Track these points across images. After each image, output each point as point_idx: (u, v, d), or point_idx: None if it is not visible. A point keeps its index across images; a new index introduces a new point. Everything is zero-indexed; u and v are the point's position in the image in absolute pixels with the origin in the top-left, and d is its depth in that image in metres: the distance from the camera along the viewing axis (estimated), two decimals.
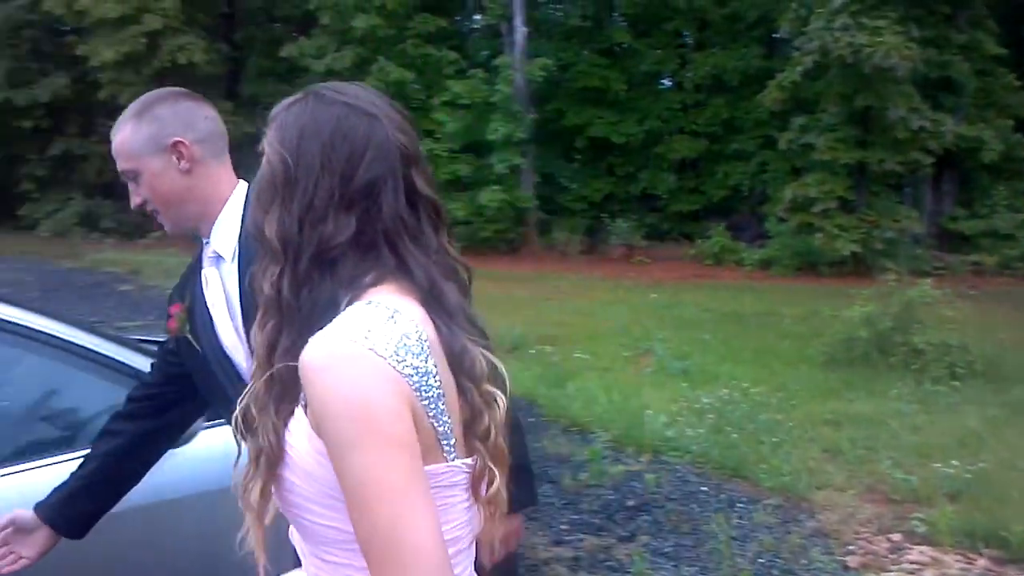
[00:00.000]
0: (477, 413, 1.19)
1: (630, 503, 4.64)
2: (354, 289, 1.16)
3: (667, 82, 22.44)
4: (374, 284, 1.17)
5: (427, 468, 1.13)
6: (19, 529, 1.93)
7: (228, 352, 1.87)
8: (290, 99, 1.24)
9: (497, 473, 1.19)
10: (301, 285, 1.17)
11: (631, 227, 17.89)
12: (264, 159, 1.21)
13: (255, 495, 1.20)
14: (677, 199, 20.69)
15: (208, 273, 1.89)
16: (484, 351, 1.20)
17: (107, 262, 15.81)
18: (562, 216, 18.77)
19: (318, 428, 1.09)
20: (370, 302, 1.14)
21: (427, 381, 1.14)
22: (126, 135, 1.84)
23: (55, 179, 22.63)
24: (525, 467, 2.05)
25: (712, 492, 4.78)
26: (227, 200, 1.89)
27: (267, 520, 1.21)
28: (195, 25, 20.19)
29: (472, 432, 1.19)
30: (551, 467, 5.17)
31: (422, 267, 1.20)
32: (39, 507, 1.96)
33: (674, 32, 21.91)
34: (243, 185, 1.91)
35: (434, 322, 1.18)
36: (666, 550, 4.06)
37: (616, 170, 20.93)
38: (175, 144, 1.82)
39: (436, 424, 1.15)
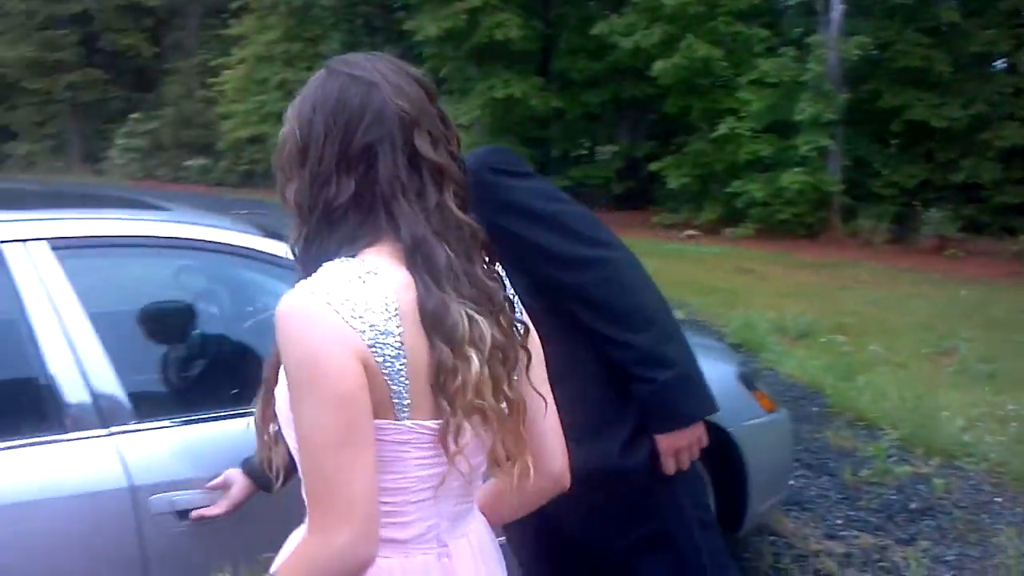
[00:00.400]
0: (447, 373, 1.22)
1: (913, 506, 4.45)
2: (352, 248, 1.24)
3: (1000, 64, 20.73)
4: (370, 244, 1.25)
5: (376, 422, 1.20)
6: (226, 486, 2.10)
7: None
8: (312, 77, 1.36)
9: (470, 428, 1.24)
10: (310, 243, 1.27)
11: (946, 217, 16.72)
12: (283, 132, 1.33)
13: (259, 415, 1.40)
14: (1001, 190, 19.06)
15: None
16: (474, 313, 1.24)
17: None
18: (869, 202, 17.85)
19: (284, 371, 1.22)
20: (349, 259, 1.22)
21: (385, 340, 1.19)
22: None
23: None
24: (687, 376, 1.96)
25: (1007, 504, 4.49)
26: None
27: (267, 436, 1.40)
28: (512, 3, 20.94)
29: (443, 392, 1.22)
30: (831, 460, 5.04)
31: (409, 226, 1.24)
32: (244, 461, 2.09)
33: (1010, 11, 20.16)
34: None
35: (415, 280, 1.23)
36: (948, 558, 3.87)
37: (935, 156, 19.60)
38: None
39: (390, 383, 1.21)
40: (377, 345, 1.19)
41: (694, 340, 4.34)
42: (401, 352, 1.21)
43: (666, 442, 1.98)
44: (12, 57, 30.35)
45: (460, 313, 1.23)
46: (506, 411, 1.29)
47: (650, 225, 17.73)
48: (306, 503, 1.24)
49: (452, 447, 1.23)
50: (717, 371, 3.70)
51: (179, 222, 2.72)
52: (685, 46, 17.06)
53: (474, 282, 1.28)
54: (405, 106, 1.28)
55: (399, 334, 1.20)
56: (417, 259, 1.24)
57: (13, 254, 2.25)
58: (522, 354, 1.33)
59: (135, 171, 27.47)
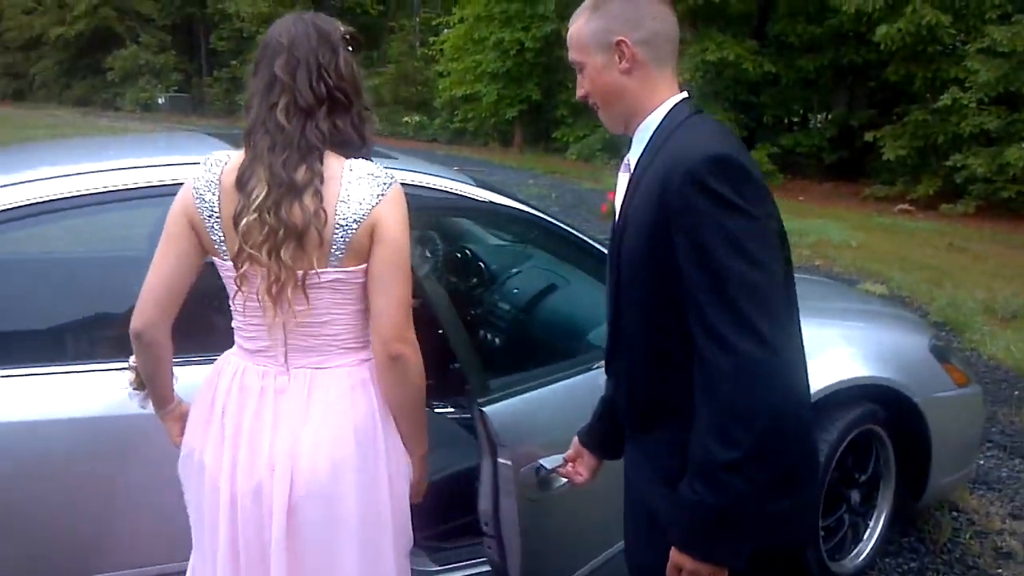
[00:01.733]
0: (238, 218, 1.81)
1: None
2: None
3: None
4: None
5: (214, 260, 1.92)
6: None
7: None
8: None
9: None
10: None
11: None
12: None
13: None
14: None
15: (620, 178, 1.91)
16: (272, 187, 1.79)
17: None
18: None
19: None
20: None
21: (205, 204, 1.87)
22: (579, 26, 1.86)
23: (588, 107, 24.31)
24: (734, 512, 1.65)
25: None
26: (655, 109, 1.84)
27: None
28: None
29: (238, 234, 1.82)
30: None
31: (250, 123, 1.86)
32: (579, 432, 2.20)
33: None
34: (678, 98, 1.84)
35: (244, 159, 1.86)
36: None
37: None
38: (619, 43, 1.80)
39: (211, 234, 1.88)
40: (200, 208, 1.88)
41: (886, 309, 4.36)
42: (215, 213, 1.87)
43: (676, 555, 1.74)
44: (249, 12, 32.28)
45: (261, 183, 1.80)
46: (280, 270, 1.81)
47: (862, 197, 17.14)
48: None
49: (239, 273, 1.85)
50: (908, 341, 3.74)
51: (408, 170, 2.99)
52: (911, 10, 16.25)
53: (279, 174, 1.80)
54: (283, 41, 1.86)
55: (216, 202, 1.86)
56: (248, 144, 1.85)
57: None
58: (313, 234, 1.80)
59: None
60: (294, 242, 1.79)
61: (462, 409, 3.78)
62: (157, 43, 39.46)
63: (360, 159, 1.89)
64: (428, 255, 3.98)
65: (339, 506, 1.89)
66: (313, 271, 1.83)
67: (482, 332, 3.93)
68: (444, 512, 2.98)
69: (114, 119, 31.17)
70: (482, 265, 4.13)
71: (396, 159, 3.14)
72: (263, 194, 1.79)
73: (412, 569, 2.60)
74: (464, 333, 2.61)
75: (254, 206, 1.79)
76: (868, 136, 18.07)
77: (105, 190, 2.50)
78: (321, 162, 1.82)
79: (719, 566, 1.69)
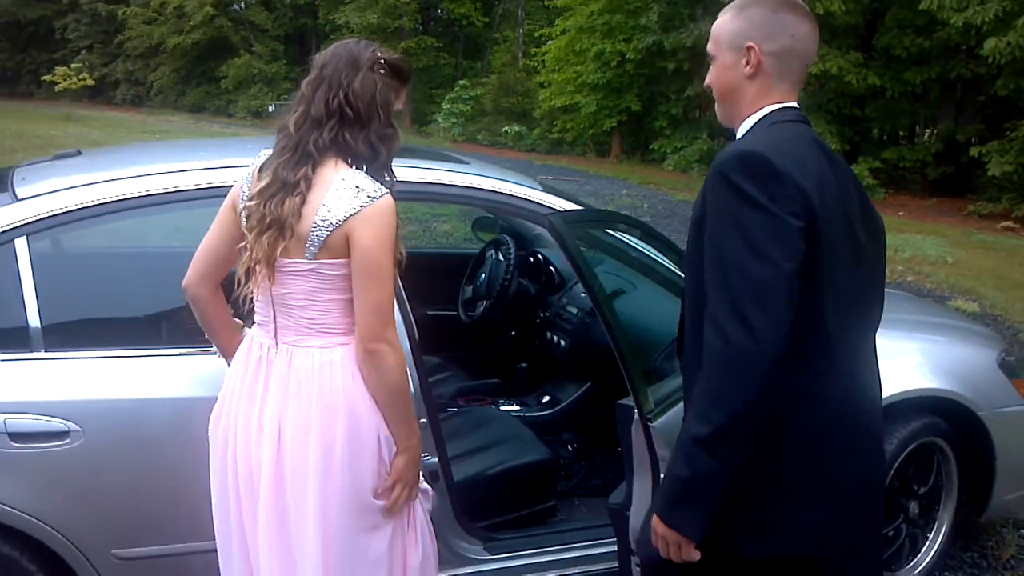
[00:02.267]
0: (245, 213, 2.16)
1: None
2: None
3: None
4: None
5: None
6: None
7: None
8: None
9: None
10: None
11: None
12: None
13: None
14: None
15: None
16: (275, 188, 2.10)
17: None
18: None
19: None
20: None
21: (243, 189, 2.22)
22: (721, 22, 2.00)
23: (686, 119, 24.44)
24: (691, 482, 1.80)
25: None
26: (758, 112, 1.97)
27: None
28: None
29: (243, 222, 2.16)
30: None
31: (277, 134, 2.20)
32: None
33: None
34: (780, 105, 1.95)
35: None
36: None
37: None
38: (749, 48, 1.93)
39: (240, 215, 2.19)
40: (240, 191, 2.22)
41: (956, 322, 4.35)
42: (243, 199, 2.19)
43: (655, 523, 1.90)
44: (359, 23, 33.04)
45: (267, 177, 2.12)
46: (258, 252, 2.11)
47: (964, 214, 16.69)
48: None
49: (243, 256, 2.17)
50: (976, 354, 3.74)
51: (475, 174, 3.16)
52: (1021, 23, 15.81)
53: (279, 172, 2.10)
54: (319, 61, 2.19)
55: (246, 191, 2.18)
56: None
57: None
58: (290, 227, 2.07)
59: (457, 135, 29.15)
60: (276, 231, 2.08)
61: (525, 407, 3.93)
62: (270, 52, 40.66)
63: (361, 172, 2.14)
64: (501, 258, 4.13)
65: (299, 472, 2.14)
66: (289, 260, 2.11)
67: (548, 334, 4.08)
68: (499, 504, 3.13)
69: (225, 125, 32.22)
70: (553, 269, 4.27)
71: (467, 163, 3.31)
72: (265, 187, 2.12)
73: (468, 557, 2.78)
74: (632, 346, 2.65)
75: (256, 194, 2.13)
76: (973, 151, 17.62)
77: (200, 187, 2.75)
78: (314, 169, 2.10)
79: (682, 535, 1.83)
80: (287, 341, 2.19)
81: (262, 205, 2.10)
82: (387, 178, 2.19)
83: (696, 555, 1.86)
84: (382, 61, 2.17)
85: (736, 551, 1.92)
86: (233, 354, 2.35)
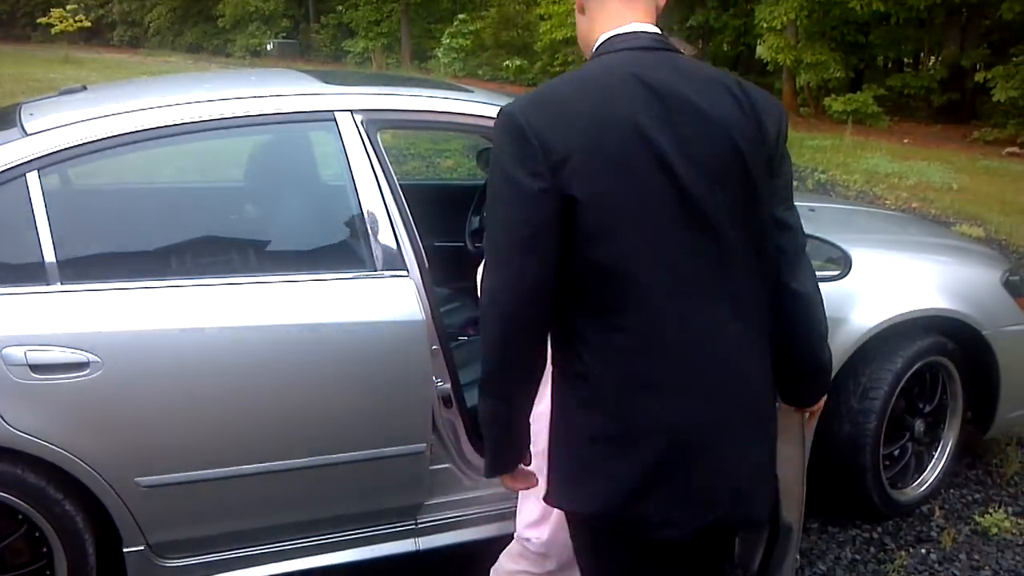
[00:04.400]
0: None
1: None
2: None
3: None
4: None
5: None
6: None
7: None
8: None
9: None
10: None
11: None
12: None
13: None
14: None
15: None
16: None
17: None
18: None
19: None
20: None
21: None
22: None
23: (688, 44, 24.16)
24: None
25: None
26: (591, 49, 1.86)
27: None
28: None
29: None
30: None
31: None
32: None
33: None
34: (606, 35, 1.82)
35: None
36: None
37: None
38: None
39: None
40: None
41: (959, 243, 4.38)
42: None
43: None
44: None
45: None
46: None
47: (969, 140, 16.58)
48: None
49: None
50: (980, 274, 3.77)
51: (481, 102, 3.16)
52: None
53: None
54: None
55: None
56: None
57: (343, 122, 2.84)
58: None
59: (458, 70, 28.82)
60: None
61: None
62: None
63: None
64: None
65: None
66: None
67: None
68: None
69: (223, 64, 31.91)
70: None
71: (471, 92, 3.32)
72: None
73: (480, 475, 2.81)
74: None
75: None
76: (979, 77, 17.45)
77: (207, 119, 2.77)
78: None
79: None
80: None
81: None
82: None
83: (515, 485, 1.96)
84: None
85: (556, 504, 1.90)
86: None
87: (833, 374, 3.23)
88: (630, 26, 1.81)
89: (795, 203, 1.89)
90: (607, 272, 1.70)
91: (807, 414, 2.15)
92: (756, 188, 1.75)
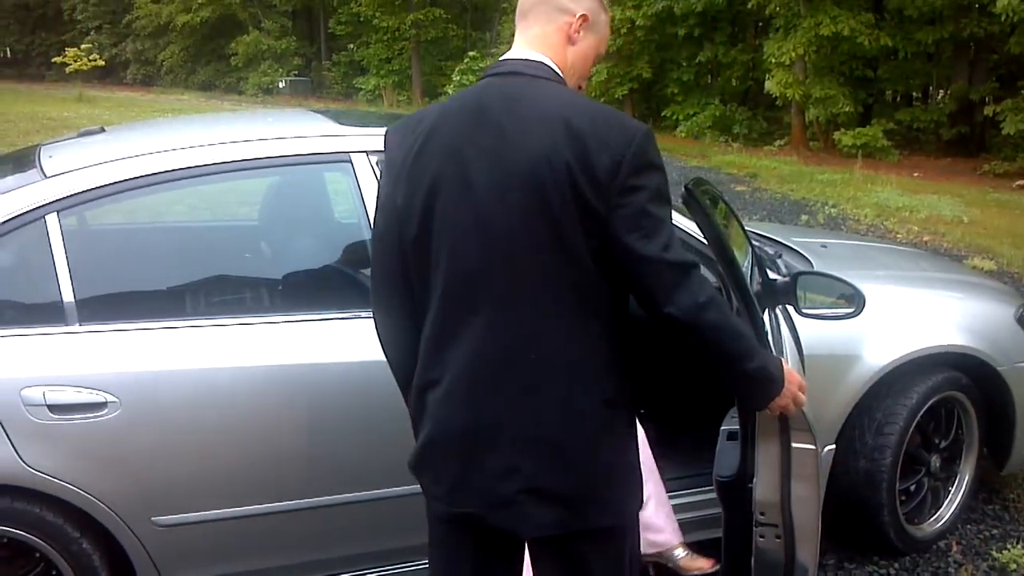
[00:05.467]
0: None
1: None
2: None
3: None
4: None
5: None
6: None
7: None
8: None
9: None
10: None
11: None
12: None
13: None
14: None
15: None
16: None
17: (730, 164, 16.72)
18: None
19: None
20: None
21: None
22: None
23: (698, 84, 24.35)
24: None
25: None
26: None
27: None
28: None
29: None
30: None
31: None
32: None
33: None
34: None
35: None
36: None
37: None
38: None
39: None
40: None
41: (972, 278, 4.37)
42: None
43: None
44: None
45: None
46: None
47: (979, 173, 16.61)
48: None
49: None
50: (994, 309, 3.76)
51: None
52: None
53: None
54: None
55: None
56: None
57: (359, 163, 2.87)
58: None
59: None
60: None
61: None
62: (279, 28, 40.54)
63: None
64: None
65: None
66: None
67: None
68: None
69: (236, 102, 32.23)
70: None
71: None
72: None
73: None
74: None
75: None
76: (988, 110, 17.50)
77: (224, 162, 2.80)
78: None
79: None
80: None
81: None
82: None
83: None
84: None
85: None
86: None
87: (848, 411, 3.27)
88: (512, 52, 1.95)
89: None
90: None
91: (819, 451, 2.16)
92: (555, 215, 1.75)
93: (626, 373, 1.90)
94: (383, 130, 3.07)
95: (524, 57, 1.91)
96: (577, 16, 1.94)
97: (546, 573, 1.97)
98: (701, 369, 1.92)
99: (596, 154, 1.73)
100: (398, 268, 1.92)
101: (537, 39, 1.93)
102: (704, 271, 2.04)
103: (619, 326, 1.87)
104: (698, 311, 1.77)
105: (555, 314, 1.80)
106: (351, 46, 37.80)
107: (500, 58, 1.95)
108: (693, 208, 2.27)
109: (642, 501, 2.01)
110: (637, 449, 1.98)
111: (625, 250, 1.75)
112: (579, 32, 1.95)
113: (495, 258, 1.78)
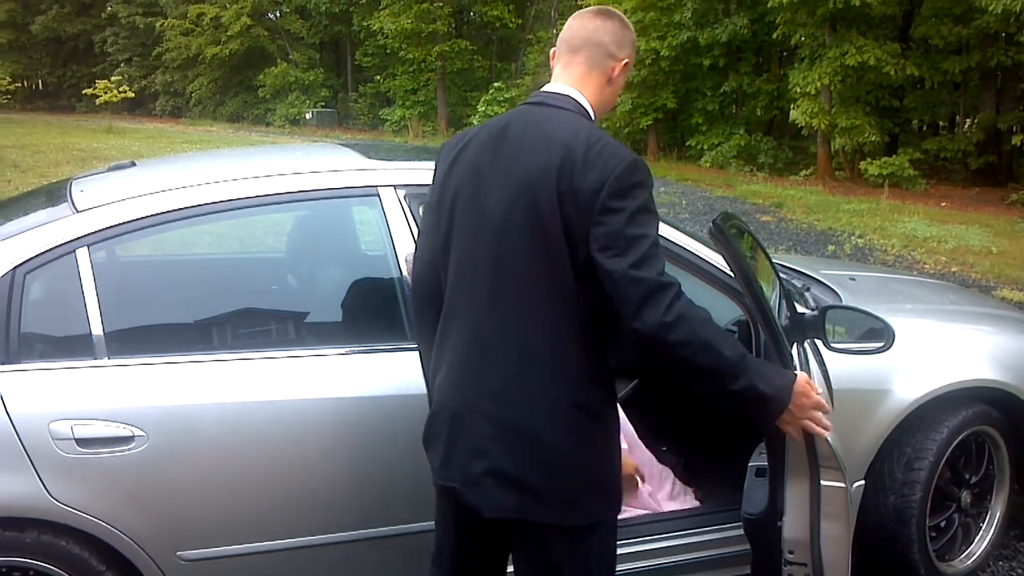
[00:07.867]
0: None
1: None
2: None
3: None
4: None
5: None
6: None
7: None
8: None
9: None
10: None
11: None
12: None
13: None
14: None
15: None
16: None
17: (754, 194, 16.67)
18: None
19: None
20: None
21: None
22: None
23: (723, 114, 24.35)
24: None
25: None
26: None
27: None
28: None
29: None
30: None
31: None
32: None
33: None
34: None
35: None
36: None
37: None
38: None
39: None
40: None
41: (1002, 312, 4.33)
42: None
43: None
44: (393, 28, 33.21)
45: None
46: None
47: (1008, 203, 16.46)
48: None
49: None
50: (1019, 342, 3.72)
51: None
52: None
53: None
54: None
55: None
56: None
57: (386, 197, 2.88)
58: None
59: None
60: None
61: None
62: (306, 60, 40.99)
63: None
64: None
65: None
66: None
67: None
68: None
69: (264, 134, 32.54)
70: None
71: None
72: None
73: None
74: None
75: None
76: (1016, 139, 17.40)
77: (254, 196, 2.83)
78: None
79: None
80: None
81: None
82: None
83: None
84: None
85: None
86: None
87: (877, 446, 3.23)
88: (550, 85, 2.19)
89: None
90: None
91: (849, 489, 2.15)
92: (544, 227, 1.95)
93: (603, 383, 2.05)
94: (410, 164, 3.14)
95: (556, 91, 2.15)
96: (622, 62, 2.15)
97: (518, 564, 2.14)
98: (686, 387, 2.03)
99: (582, 176, 1.91)
100: (436, 293, 2.16)
101: (578, 80, 2.14)
102: (725, 300, 2.08)
103: (602, 337, 2.01)
104: (661, 328, 1.85)
105: (537, 317, 1.98)
106: (377, 77, 38.10)
107: (542, 88, 2.19)
108: (720, 242, 2.28)
109: (618, 511, 2.14)
110: (616, 459, 2.09)
111: (600, 266, 1.90)
112: (620, 75, 2.15)
113: (489, 259, 2.01)
